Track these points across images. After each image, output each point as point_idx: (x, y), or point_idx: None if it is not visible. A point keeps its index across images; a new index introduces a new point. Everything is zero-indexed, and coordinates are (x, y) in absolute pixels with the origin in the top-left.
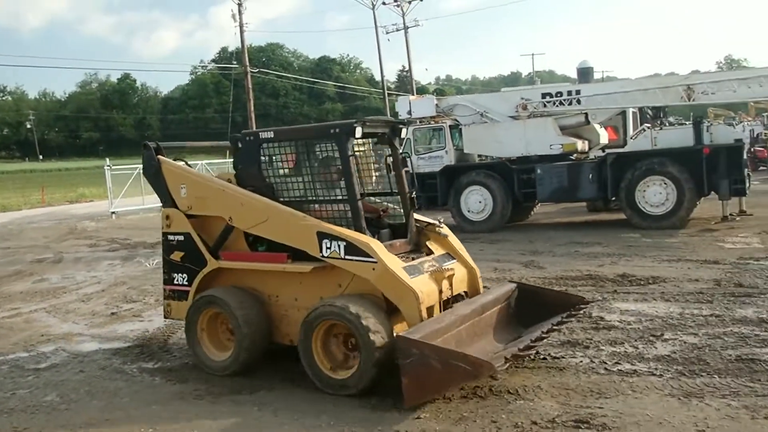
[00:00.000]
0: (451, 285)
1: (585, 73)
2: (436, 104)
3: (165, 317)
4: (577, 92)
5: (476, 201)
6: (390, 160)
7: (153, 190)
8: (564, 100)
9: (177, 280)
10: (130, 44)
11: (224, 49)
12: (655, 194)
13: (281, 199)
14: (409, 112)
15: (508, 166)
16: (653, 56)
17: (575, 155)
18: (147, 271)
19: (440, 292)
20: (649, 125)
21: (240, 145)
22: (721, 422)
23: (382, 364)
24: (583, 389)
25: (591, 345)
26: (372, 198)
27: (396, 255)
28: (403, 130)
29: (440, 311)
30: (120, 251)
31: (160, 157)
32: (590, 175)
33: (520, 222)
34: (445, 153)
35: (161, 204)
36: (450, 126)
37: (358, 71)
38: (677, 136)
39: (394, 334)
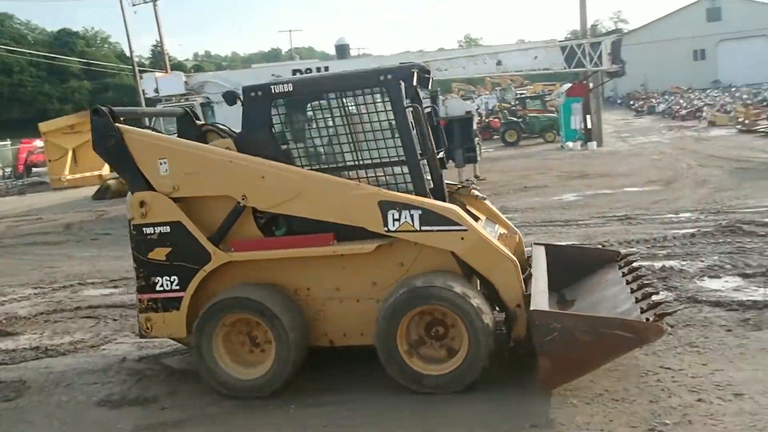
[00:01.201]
0: (515, 249)
1: (342, 50)
2: (185, 81)
3: (141, 336)
4: (326, 69)
5: None
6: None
7: (113, 169)
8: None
9: (162, 286)
10: None
11: None
12: None
13: (305, 167)
14: (156, 90)
15: None
16: (407, 34)
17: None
18: None
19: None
20: None
21: (240, 104)
22: None
23: (493, 353)
24: None
25: None
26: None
27: None
28: (431, 79)
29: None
30: None
31: (120, 125)
32: None
33: None
34: None
35: (131, 188)
36: (202, 104)
37: (107, 46)
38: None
39: (530, 309)
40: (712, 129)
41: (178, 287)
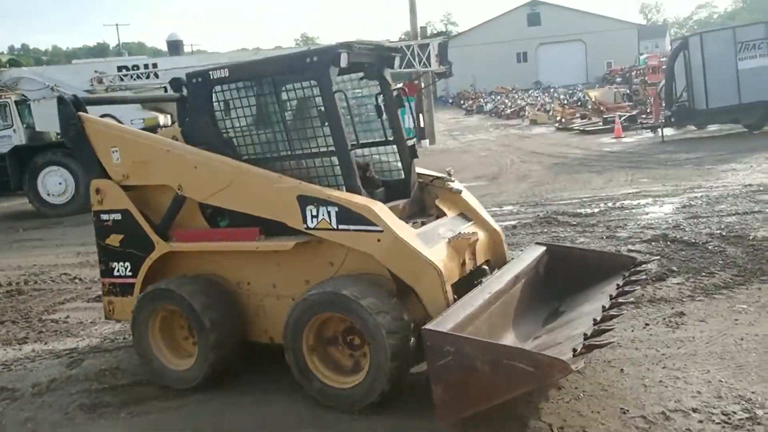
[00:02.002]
0: (474, 254)
1: (174, 46)
2: None
3: (107, 318)
4: (154, 65)
5: (56, 183)
6: (381, 99)
7: (76, 157)
8: (141, 73)
9: (118, 271)
10: None
11: None
12: None
13: (244, 157)
14: None
15: None
16: (244, 31)
17: (159, 130)
18: None
19: (463, 264)
20: None
21: (185, 92)
22: None
23: (402, 366)
24: None
25: None
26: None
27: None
28: (397, 60)
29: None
30: None
31: (81, 113)
32: None
33: None
34: (13, 132)
35: (89, 175)
36: (17, 101)
37: None
38: None
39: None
40: (534, 127)
41: (131, 273)
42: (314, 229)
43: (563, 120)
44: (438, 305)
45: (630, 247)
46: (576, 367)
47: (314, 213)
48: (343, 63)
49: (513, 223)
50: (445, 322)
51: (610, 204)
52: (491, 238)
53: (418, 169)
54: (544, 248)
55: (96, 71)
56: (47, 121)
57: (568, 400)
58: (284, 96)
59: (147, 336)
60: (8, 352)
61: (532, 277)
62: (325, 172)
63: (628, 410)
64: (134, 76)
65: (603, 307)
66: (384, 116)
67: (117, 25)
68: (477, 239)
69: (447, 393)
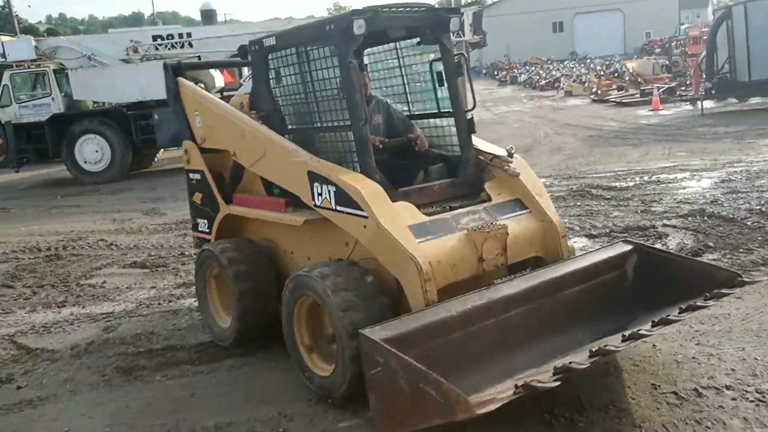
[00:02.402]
0: (504, 248)
1: (207, 15)
2: (36, 46)
3: None
4: (188, 35)
5: (92, 150)
6: (439, 66)
7: (178, 119)
8: (176, 42)
9: (200, 227)
10: None
11: None
12: None
13: (290, 127)
14: (3, 55)
15: (124, 113)
16: (275, 0)
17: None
18: None
19: (480, 260)
20: None
21: (250, 59)
22: None
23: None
24: (195, 325)
25: None
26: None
27: (424, 203)
28: (455, 22)
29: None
30: None
31: (180, 78)
32: None
33: (143, 169)
34: (51, 100)
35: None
36: (55, 70)
37: None
38: None
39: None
40: (569, 98)
41: (208, 230)
42: (320, 207)
43: (599, 92)
44: (417, 303)
45: (665, 221)
46: (483, 410)
47: (320, 191)
48: (357, 30)
49: None
50: (387, 329)
51: (645, 178)
52: (545, 230)
53: (481, 145)
54: (629, 248)
55: (131, 40)
56: (84, 90)
57: (598, 374)
58: (312, 66)
59: (203, 289)
60: (48, 315)
61: (609, 281)
62: (343, 148)
63: (659, 386)
64: (168, 46)
65: (652, 321)
66: (443, 85)
67: None
68: (503, 232)
69: (380, 404)
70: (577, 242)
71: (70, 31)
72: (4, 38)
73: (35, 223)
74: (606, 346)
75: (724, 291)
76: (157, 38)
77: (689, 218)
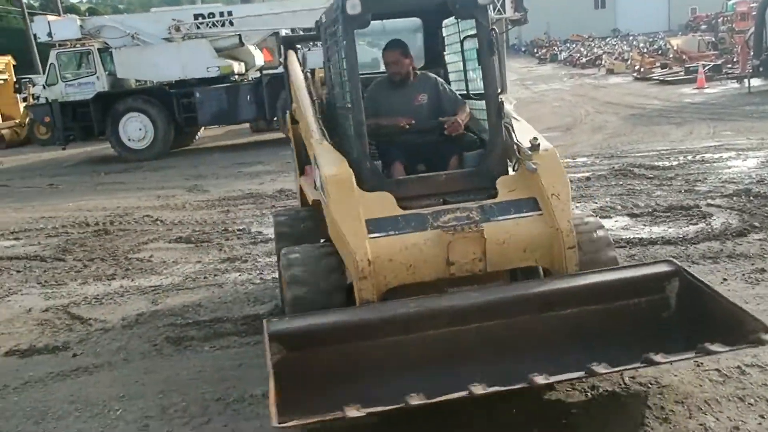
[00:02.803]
0: (483, 253)
1: None
2: (80, 25)
3: None
4: (229, 13)
5: (136, 128)
6: (469, 43)
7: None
8: (217, 21)
9: None
10: None
11: None
12: None
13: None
14: (50, 34)
15: (167, 91)
16: None
17: (234, 77)
18: None
19: (449, 263)
20: (299, 45)
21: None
22: None
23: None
24: (241, 298)
25: (249, 259)
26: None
27: (416, 195)
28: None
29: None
30: None
31: (288, 50)
32: (248, 97)
33: (185, 147)
34: (96, 79)
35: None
36: (99, 49)
37: None
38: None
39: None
40: (611, 77)
41: None
42: (317, 189)
43: (642, 69)
44: (361, 298)
45: (710, 201)
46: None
47: (316, 173)
48: (351, 10)
49: (587, 174)
50: (292, 322)
51: (689, 157)
52: (548, 237)
53: (519, 130)
54: (668, 269)
55: (173, 19)
56: (128, 68)
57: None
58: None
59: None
60: (99, 287)
61: (622, 308)
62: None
63: (702, 363)
64: (210, 24)
65: (644, 358)
66: (476, 65)
67: None
68: (477, 235)
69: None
70: (619, 221)
71: (110, 9)
72: (50, 18)
73: (83, 199)
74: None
75: (743, 346)
76: (198, 17)
77: (734, 198)
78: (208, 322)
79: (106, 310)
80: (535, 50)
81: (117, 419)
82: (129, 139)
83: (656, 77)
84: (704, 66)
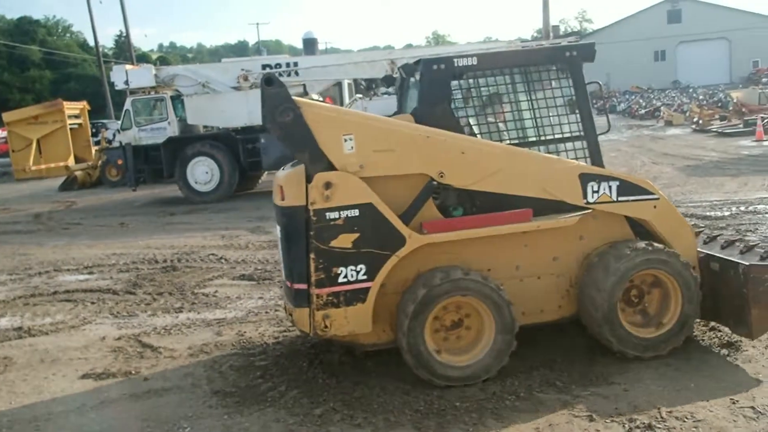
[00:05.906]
0: None
1: (310, 44)
2: (155, 74)
3: (317, 335)
4: (295, 64)
5: (203, 172)
6: (570, 92)
7: (285, 145)
8: (283, 71)
9: (346, 277)
10: None
11: None
12: None
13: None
14: (127, 82)
15: (233, 136)
16: (375, 29)
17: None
18: None
19: None
20: (361, 96)
21: (418, 78)
22: None
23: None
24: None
25: None
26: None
27: None
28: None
29: None
30: None
31: (298, 99)
32: None
33: (249, 191)
34: (167, 124)
35: (304, 166)
36: (172, 96)
37: (68, 35)
38: (385, 105)
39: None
40: (669, 128)
41: (365, 277)
42: (594, 203)
43: (700, 121)
44: (693, 257)
45: (759, 250)
46: None
47: (595, 189)
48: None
49: None
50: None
51: (742, 208)
52: None
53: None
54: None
55: (242, 69)
56: (198, 115)
57: (678, 389)
58: (535, 85)
59: (423, 336)
60: (167, 319)
61: None
62: (574, 156)
63: (737, 401)
64: (277, 74)
65: None
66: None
67: (258, 24)
68: None
69: (762, 312)
70: None
71: (180, 58)
72: (128, 67)
73: (152, 237)
74: None
75: None
76: (266, 67)
77: None
78: (272, 353)
79: (174, 339)
80: (594, 101)
81: None
82: (196, 182)
83: (715, 129)
84: (763, 119)
